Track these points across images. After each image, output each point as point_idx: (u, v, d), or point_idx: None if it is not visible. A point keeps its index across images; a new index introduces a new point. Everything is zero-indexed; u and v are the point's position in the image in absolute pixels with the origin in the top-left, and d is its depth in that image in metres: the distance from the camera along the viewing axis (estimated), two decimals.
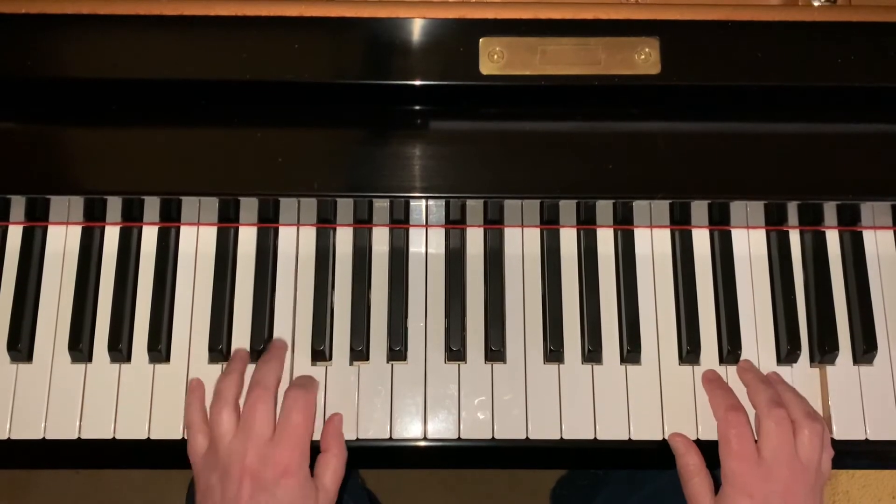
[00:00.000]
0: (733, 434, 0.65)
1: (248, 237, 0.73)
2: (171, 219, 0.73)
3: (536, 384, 0.70)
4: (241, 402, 0.67)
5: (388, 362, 0.71)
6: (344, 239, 0.74)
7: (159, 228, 0.73)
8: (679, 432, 0.69)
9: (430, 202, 0.70)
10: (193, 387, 0.69)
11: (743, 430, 0.66)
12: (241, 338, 0.71)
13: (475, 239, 0.74)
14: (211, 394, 0.68)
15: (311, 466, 0.66)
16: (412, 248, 0.74)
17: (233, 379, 0.67)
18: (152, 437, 0.69)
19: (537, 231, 0.74)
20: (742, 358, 0.72)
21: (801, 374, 0.72)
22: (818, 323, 0.72)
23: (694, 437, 0.70)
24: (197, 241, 0.74)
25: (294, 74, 0.66)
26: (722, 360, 0.72)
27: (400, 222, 0.73)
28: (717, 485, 0.67)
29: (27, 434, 0.69)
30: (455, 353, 0.70)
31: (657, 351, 0.72)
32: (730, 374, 0.72)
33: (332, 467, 0.66)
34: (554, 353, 0.71)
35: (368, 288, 0.72)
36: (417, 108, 0.69)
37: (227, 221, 0.73)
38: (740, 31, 0.67)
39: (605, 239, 0.74)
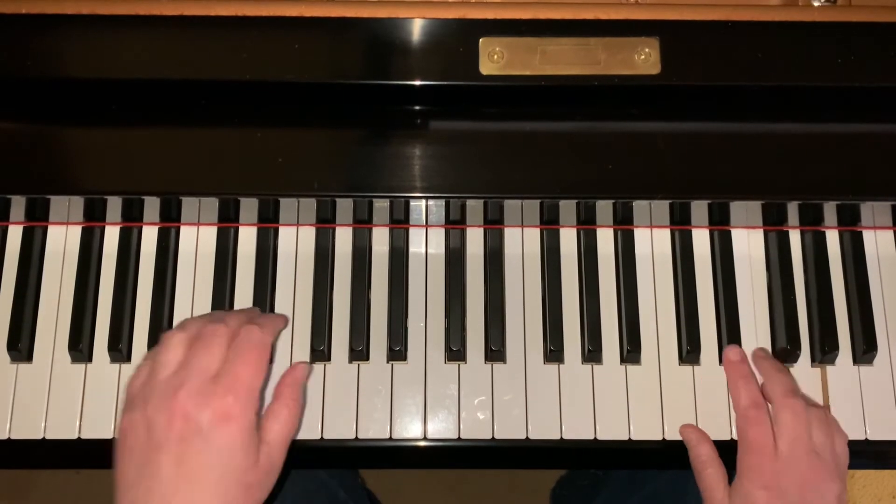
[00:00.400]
0: (753, 432, 0.65)
1: (248, 237, 0.73)
2: (171, 219, 0.73)
3: (536, 384, 0.71)
4: None
5: (387, 362, 0.71)
6: (344, 239, 0.74)
7: (159, 228, 0.73)
8: (691, 424, 0.69)
9: (430, 202, 0.70)
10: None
11: (764, 428, 0.65)
12: None
13: (475, 239, 0.74)
14: None
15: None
16: (412, 248, 0.74)
17: (203, 318, 0.61)
18: None
19: (537, 231, 0.74)
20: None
21: (801, 375, 0.72)
22: (818, 323, 0.72)
23: None
24: (197, 241, 0.74)
25: (294, 74, 0.66)
26: (722, 360, 0.72)
27: (400, 222, 0.73)
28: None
29: (27, 434, 0.69)
30: (455, 352, 0.70)
31: (657, 351, 0.72)
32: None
33: (282, 420, 0.59)
34: (554, 353, 0.71)
35: (368, 288, 0.72)
36: (417, 108, 0.69)
37: (227, 221, 0.73)
38: (740, 31, 0.67)
39: (605, 239, 0.74)
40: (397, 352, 0.70)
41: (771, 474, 0.63)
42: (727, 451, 0.67)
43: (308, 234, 0.74)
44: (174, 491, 0.54)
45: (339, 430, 0.69)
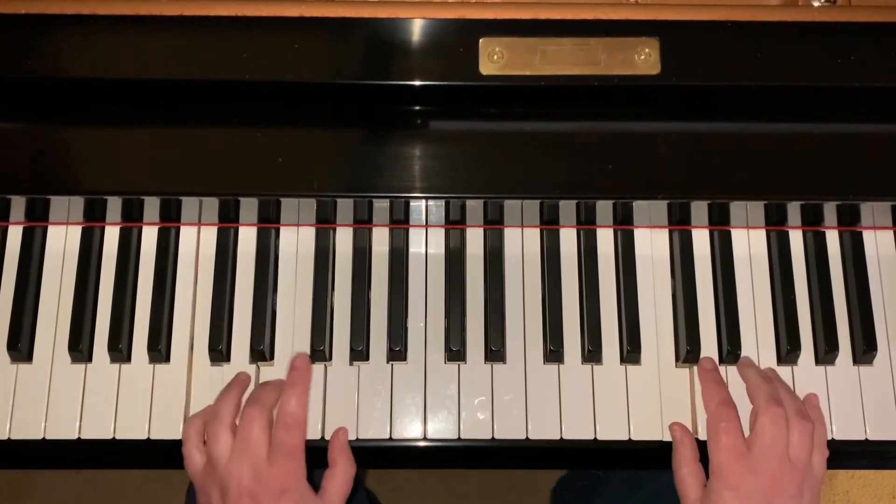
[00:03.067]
0: (722, 427, 0.65)
1: (248, 237, 0.73)
2: (171, 219, 0.73)
3: (536, 384, 0.71)
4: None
5: (387, 362, 0.71)
6: (344, 239, 0.74)
7: (159, 228, 0.73)
8: (679, 422, 0.69)
9: (430, 202, 0.70)
10: (201, 412, 0.69)
11: (731, 424, 0.65)
12: (241, 338, 0.71)
13: (475, 239, 0.74)
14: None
15: (310, 474, 0.66)
16: (412, 248, 0.74)
17: (230, 398, 0.67)
18: (152, 437, 0.69)
19: (537, 231, 0.74)
20: (742, 358, 0.72)
21: (802, 375, 0.72)
22: (818, 323, 0.72)
23: (693, 437, 0.70)
24: (197, 241, 0.74)
25: (294, 74, 0.66)
26: (722, 360, 0.72)
27: (400, 222, 0.73)
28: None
29: (27, 434, 0.69)
30: (455, 353, 0.70)
31: (657, 351, 0.72)
32: (729, 372, 0.72)
33: (339, 481, 0.66)
34: (554, 353, 0.71)
35: (368, 288, 0.72)
36: (417, 108, 0.69)
37: (228, 221, 0.73)
38: (740, 31, 0.67)
39: (605, 239, 0.74)
40: (397, 352, 0.70)
41: (738, 475, 0.63)
42: None
43: (308, 235, 0.74)
44: None
45: None
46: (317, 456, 0.67)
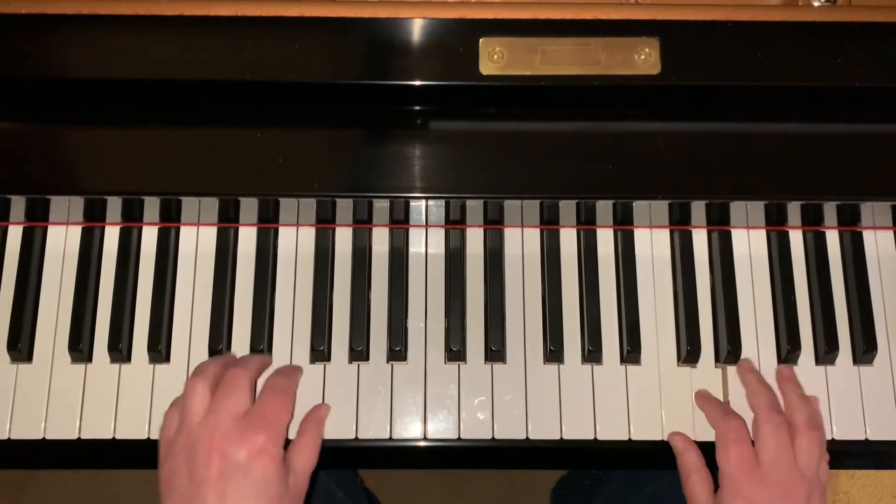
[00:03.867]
0: (731, 439, 0.65)
1: (247, 237, 0.73)
2: (171, 219, 0.73)
3: (536, 384, 0.71)
4: None
5: (387, 362, 0.71)
6: (344, 239, 0.74)
7: (159, 228, 0.73)
8: (679, 431, 0.69)
9: (430, 202, 0.70)
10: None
11: (739, 434, 0.65)
12: (241, 338, 0.71)
13: (475, 239, 0.74)
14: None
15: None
16: (412, 248, 0.74)
17: (218, 361, 0.65)
18: (152, 437, 0.69)
19: (537, 231, 0.74)
20: (742, 358, 0.72)
21: (803, 375, 0.72)
22: (818, 323, 0.72)
23: (692, 438, 0.70)
24: (197, 242, 0.74)
25: (294, 74, 0.66)
26: (722, 360, 0.72)
27: (400, 222, 0.73)
28: (717, 485, 0.67)
29: (27, 434, 0.69)
30: (455, 353, 0.70)
31: (657, 351, 0.72)
32: (729, 372, 0.72)
33: (307, 453, 0.64)
34: (554, 353, 0.71)
35: (368, 288, 0.72)
36: (417, 108, 0.69)
37: (227, 221, 0.73)
38: (740, 31, 0.67)
39: (605, 239, 0.74)
40: (397, 352, 0.70)
41: (749, 486, 0.63)
42: None
43: (308, 235, 0.74)
44: None
45: (339, 430, 0.69)
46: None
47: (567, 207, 0.71)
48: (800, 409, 0.67)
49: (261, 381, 0.68)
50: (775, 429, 0.65)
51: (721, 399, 0.71)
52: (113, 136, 0.68)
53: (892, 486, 1.41)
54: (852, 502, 1.40)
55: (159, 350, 0.70)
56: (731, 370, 0.72)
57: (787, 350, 0.71)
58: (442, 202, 0.70)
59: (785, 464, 0.64)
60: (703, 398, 0.70)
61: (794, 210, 0.72)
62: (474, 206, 0.71)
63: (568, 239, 0.74)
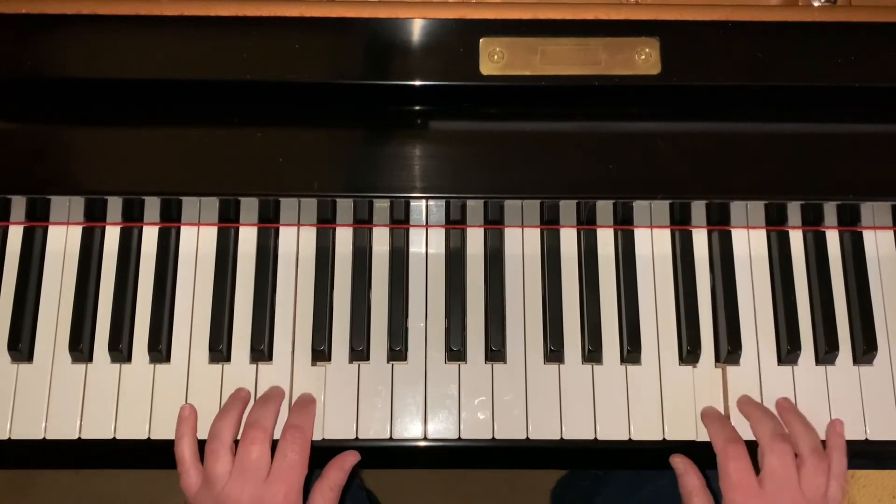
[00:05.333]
0: (733, 467, 0.65)
1: (248, 237, 0.73)
2: (171, 219, 0.73)
3: (536, 384, 0.71)
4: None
5: (388, 362, 0.71)
6: (344, 239, 0.74)
7: (160, 228, 0.73)
8: (679, 454, 0.69)
9: (431, 202, 0.70)
10: (184, 416, 0.68)
11: (742, 462, 0.65)
12: (241, 338, 0.71)
13: (475, 239, 0.74)
14: (204, 414, 0.69)
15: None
16: (412, 248, 0.74)
17: (230, 419, 0.67)
18: (152, 437, 0.69)
19: (537, 231, 0.74)
20: (742, 358, 0.72)
21: (803, 375, 0.72)
22: (818, 323, 0.72)
23: (693, 438, 0.70)
24: (197, 242, 0.74)
25: (294, 74, 0.66)
26: (722, 360, 0.72)
27: (400, 222, 0.73)
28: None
29: (27, 434, 0.69)
30: (455, 353, 0.70)
31: (657, 351, 0.72)
32: (729, 372, 0.72)
33: (328, 497, 0.66)
34: (554, 353, 0.71)
35: (369, 288, 0.72)
36: (417, 108, 0.69)
37: (228, 221, 0.73)
38: (740, 31, 0.67)
39: (606, 239, 0.74)
40: (398, 352, 0.70)
41: None
42: None
43: (308, 235, 0.74)
44: None
45: (340, 430, 0.69)
46: (316, 456, 0.67)
47: (567, 207, 0.71)
48: (804, 438, 0.67)
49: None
50: (780, 457, 0.65)
51: (721, 400, 0.71)
52: (113, 136, 0.68)
53: (892, 486, 1.41)
54: (852, 502, 1.40)
55: (160, 350, 0.70)
56: (732, 370, 0.72)
57: (787, 350, 0.71)
58: (442, 202, 0.70)
59: (789, 491, 0.64)
60: (708, 417, 0.70)
61: (794, 210, 0.72)
62: (474, 206, 0.71)
63: (568, 239, 0.74)
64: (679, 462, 0.69)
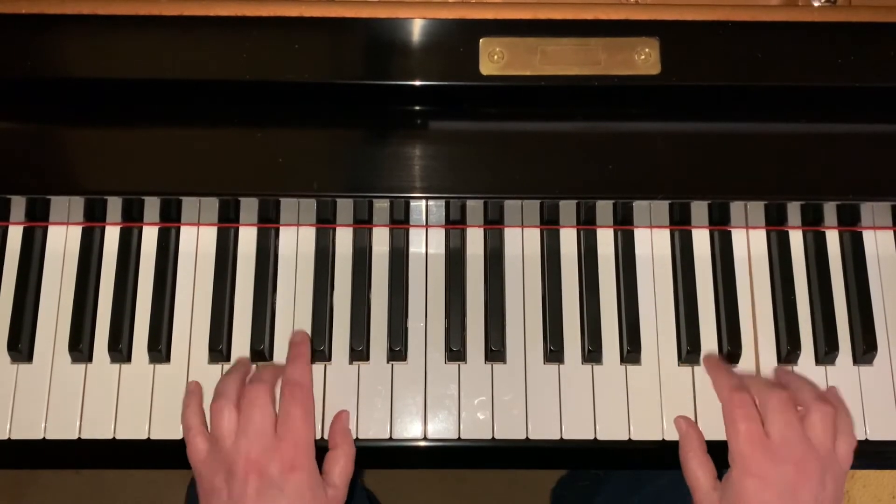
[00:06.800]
0: (739, 414, 0.63)
1: (248, 237, 0.73)
2: (171, 219, 0.73)
3: (536, 384, 0.71)
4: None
5: (388, 362, 0.71)
6: (344, 239, 0.74)
7: (159, 229, 0.73)
8: (683, 416, 0.69)
9: (430, 202, 0.70)
10: (191, 389, 0.69)
11: (748, 410, 0.64)
12: (241, 338, 0.71)
13: (475, 239, 0.74)
14: (209, 397, 0.68)
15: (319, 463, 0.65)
16: (412, 249, 0.74)
17: (233, 378, 0.67)
18: (152, 437, 0.69)
19: (537, 231, 0.74)
20: (742, 358, 0.72)
21: (802, 375, 0.72)
22: (818, 323, 0.72)
23: None
24: (197, 242, 0.74)
25: (294, 74, 0.66)
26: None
27: (400, 222, 0.73)
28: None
29: (27, 434, 0.69)
30: (455, 353, 0.70)
31: (657, 351, 0.72)
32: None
33: (341, 464, 0.66)
34: (554, 353, 0.71)
35: (368, 288, 0.72)
36: (417, 108, 0.69)
37: (228, 221, 0.73)
38: (740, 31, 0.67)
39: (605, 239, 0.74)
40: (397, 352, 0.70)
41: (759, 462, 0.61)
42: (726, 451, 0.67)
43: (308, 235, 0.74)
44: None
45: None
46: (317, 456, 0.67)
47: (567, 207, 0.71)
48: (805, 388, 0.66)
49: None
50: (782, 405, 0.63)
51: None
52: (113, 136, 0.68)
53: (892, 486, 1.41)
54: (852, 502, 1.40)
55: (159, 350, 0.70)
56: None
57: (787, 350, 0.71)
58: (442, 202, 0.70)
59: (796, 440, 0.62)
60: (713, 366, 0.69)
61: (794, 210, 0.72)
62: (474, 206, 0.71)
63: (568, 239, 0.74)
64: (682, 423, 0.68)
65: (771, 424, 0.63)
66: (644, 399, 0.70)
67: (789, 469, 0.61)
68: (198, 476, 0.66)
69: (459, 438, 0.70)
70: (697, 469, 0.65)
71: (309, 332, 0.71)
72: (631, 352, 0.71)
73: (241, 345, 0.71)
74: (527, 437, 0.69)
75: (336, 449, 0.67)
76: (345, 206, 0.71)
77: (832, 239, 0.75)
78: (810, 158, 0.68)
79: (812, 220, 0.74)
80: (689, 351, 0.71)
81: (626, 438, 0.70)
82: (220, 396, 0.65)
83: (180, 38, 0.67)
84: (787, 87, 0.68)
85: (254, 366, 0.71)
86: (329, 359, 0.71)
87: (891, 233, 0.75)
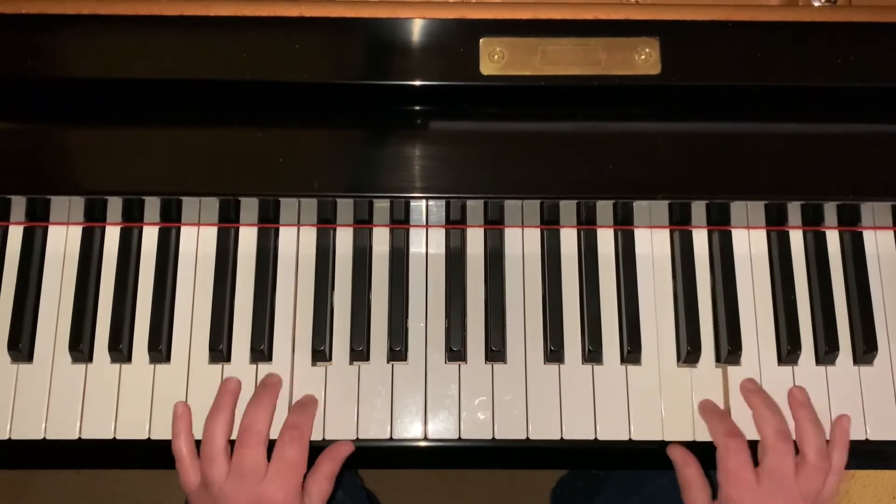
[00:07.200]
0: (732, 462, 0.65)
1: (248, 237, 0.73)
2: (171, 219, 0.73)
3: (537, 384, 0.71)
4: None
5: (388, 362, 0.71)
6: (344, 239, 0.74)
7: (160, 229, 0.73)
8: (676, 444, 0.69)
9: (431, 202, 0.70)
10: (179, 414, 0.68)
11: (741, 457, 0.65)
12: (241, 338, 0.71)
13: (475, 239, 0.74)
14: (208, 401, 0.69)
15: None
16: (412, 249, 0.74)
17: (221, 419, 0.67)
18: (152, 437, 0.69)
19: (537, 231, 0.74)
20: (742, 358, 0.72)
21: (804, 375, 0.72)
22: (818, 323, 0.72)
23: (692, 438, 0.70)
24: (197, 242, 0.74)
25: (294, 74, 0.66)
26: (722, 360, 0.72)
27: (400, 222, 0.73)
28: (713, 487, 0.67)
29: (27, 434, 0.69)
30: (455, 353, 0.70)
31: (657, 351, 0.72)
32: (729, 372, 0.72)
33: (323, 485, 0.67)
34: (554, 353, 0.71)
35: (369, 288, 0.72)
36: (418, 108, 0.69)
37: (228, 222, 0.73)
38: (740, 31, 0.67)
39: (606, 239, 0.74)
40: (398, 352, 0.70)
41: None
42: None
43: (309, 235, 0.74)
44: None
45: (340, 430, 0.69)
46: (313, 455, 0.67)
47: (567, 207, 0.71)
48: (811, 440, 0.67)
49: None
50: (781, 457, 0.65)
51: (722, 400, 0.71)
52: (113, 136, 0.68)
53: (892, 486, 1.41)
54: (852, 502, 1.40)
55: (160, 350, 0.70)
56: (732, 370, 0.72)
57: (788, 350, 0.71)
58: (442, 202, 0.70)
59: (785, 490, 0.64)
60: (706, 410, 0.70)
61: (794, 210, 0.72)
62: (475, 206, 0.71)
63: (568, 239, 0.74)
64: (678, 453, 0.69)
65: (764, 472, 0.65)
66: (644, 399, 0.70)
67: None
68: (191, 501, 0.67)
69: (460, 438, 0.70)
70: (699, 494, 0.67)
71: (309, 331, 0.71)
72: (631, 352, 0.71)
73: (241, 345, 0.71)
74: (527, 437, 0.69)
75: (321, 470, 0.67)
76: (345, 206, 0.71)
77: (832, 239, 0.75)
78: (810, 158, 0.68)
79: (812, 220, 0.74)
80: (689, 351, 0.71)
81: (626, 438, 0.70)
82: (208, 443, 0.66)
83: (180, 38, 0.67)
84: (787, 87, 0.68)
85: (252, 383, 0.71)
86: (329, 359, 0.71)
87: (891, 233, 0.75)
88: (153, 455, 0.70)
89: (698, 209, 0.72)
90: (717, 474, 0.66)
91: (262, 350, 0.70)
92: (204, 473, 0.65)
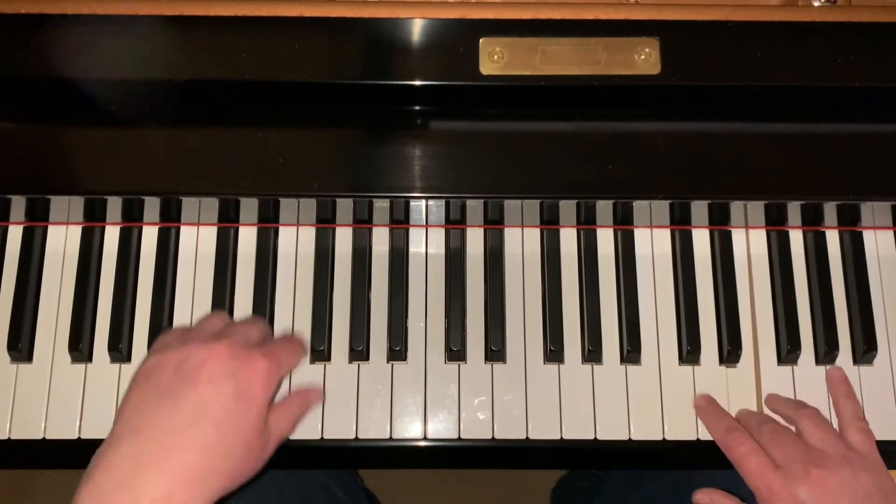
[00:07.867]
0: (741, 453, 0.64)
1: (248, 237, 0.73)
2: (171, 219, 0.73)
3: (536, 384, 0.71)
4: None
5: (387, 362, 0.71)
6: (344, 239, 0.74)
7: (159, 228, 0.73)
8: (701, 490, 0.67)
9: (430, 202, 0.70)
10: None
11: (746, 447, 0.65)
12: None
13: (475, 239, 0.74)
14: None
15: None
16: (412, 248, 0.74)
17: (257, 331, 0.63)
18: None
19: (537, 231, 0.74)
20: (742, 358, 0.72)
21: (804, 375, 0.72)
22: (818, 323, 0.72)
23: (694, 438, 0.70)
24: (197, 242, 0.74)
25: (294, 74, 0.66)
26: (722, 361, 0.72)
27: (400, 222, 0.73)
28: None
29: (27, 434, 0.69)
30: (455, 353, 0.70)
31: (657, 351, 0.72)
32: (730, 374, 0.72)
33: (285, 419, 0.62)
34: (554, 353, 0.71)
35: (368, 288, 0.72)
36: (417, 108, 0.69)
37: (227, 221, 0.73)
38: (740, 31, 0.67)
39: (605, 239, 0.74)
40: (397, 352, 0.70)
41: (780, 492, 0.62)
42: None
43: (308, 235, 0.74)
44: (183, 427, 0.53)
45: (339, 430, 0.69)
46: (315, 455, 0.67)
47: (567, 207, 0.71)
48: (782, 406, 0.68)
49: None
50: (774, 431, 0.65)
51: (722, 399, 0.71)
52: (113, 136, 0.68)
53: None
54: None
55: None
56: (732, 370, 0.72)
57: (787, 350, 0.71)
58: (442, 202, 0.70)
59: (801, 455, 0.63)
60: (702, 410, 0.70)
61: (794, 210, 0.72)
62: (474, 206, 0.71)
63: (568, 239, 0.74)
64: (701, 498, 0.67)
65: (773, 451, 0.64)
66: (644, 399, 0.70)
67: (811, 484, 0.61)
68: (152, 351, 0.59)
69: (459, 438, 0.70)
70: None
71: (309, 331, 0.71)
72: (631, 352, 0.71)
73: None
74: (527, 437, 0.69)
75: (288, 405, 0.63)
76: (345, 206, 0.71)
77: (832, 239, 0.75)
78: (810, 158, 0.68)
79: (812, 220, 0.74)
80: (689, 351, 0.71)
81: (626, 438, 0.70)
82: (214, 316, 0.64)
83: (180, 37, 0.67)
84: (787, 87, 0.68)
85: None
86: (329, 359, 0.71)
87: (891, 233, 0.75)
88: None
89: (698, 209, 0.72)
90: (739, 472, 0.65)
91: None
92: (198, 324, 0.63)
